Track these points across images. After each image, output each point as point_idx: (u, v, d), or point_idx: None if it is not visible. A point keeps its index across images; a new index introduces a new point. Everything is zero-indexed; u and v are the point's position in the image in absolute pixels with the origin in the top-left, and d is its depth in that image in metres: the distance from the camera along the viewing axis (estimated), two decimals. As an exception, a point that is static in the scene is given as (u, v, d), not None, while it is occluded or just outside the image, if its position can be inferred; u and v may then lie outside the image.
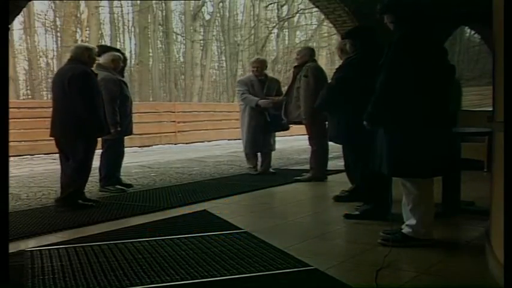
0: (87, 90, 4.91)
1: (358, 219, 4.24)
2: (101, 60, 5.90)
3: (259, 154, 7.43)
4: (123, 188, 6.12)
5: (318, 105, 5.25)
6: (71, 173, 5.01)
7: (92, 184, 6.52)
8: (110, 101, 5.69)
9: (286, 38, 30.33)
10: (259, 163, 7.44)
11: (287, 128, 7.15)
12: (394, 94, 3.41)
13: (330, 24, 10.59)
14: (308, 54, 6.62)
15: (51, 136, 5.21)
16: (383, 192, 4.23)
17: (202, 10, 27.55)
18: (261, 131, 7.13)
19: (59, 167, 5.18)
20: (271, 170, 7.40)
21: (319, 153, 6.56)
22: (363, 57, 4.34)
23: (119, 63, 6.09)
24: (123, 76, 6.33)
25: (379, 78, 3.43)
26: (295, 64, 6.82)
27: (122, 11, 26.42)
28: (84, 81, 4.92)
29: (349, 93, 4.38)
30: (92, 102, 4.93)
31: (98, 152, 5.42)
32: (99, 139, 5.34)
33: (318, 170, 6.59)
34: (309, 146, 6.65)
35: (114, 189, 6.03)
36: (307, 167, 8.01)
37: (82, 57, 5.08)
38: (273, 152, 7.36)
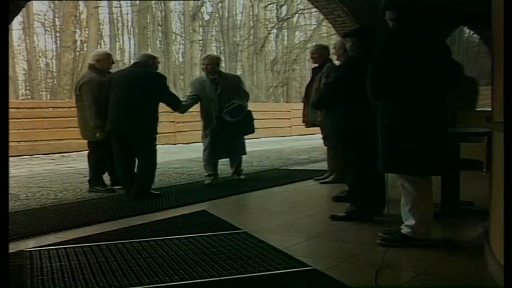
0: (159, 92, 5.60)
1: (344, 221, 4.24)
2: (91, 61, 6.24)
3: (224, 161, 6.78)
4: (112, 188, 6.08)
5: (315, 103, 5.21)
6: (142, 170, 5.59)
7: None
8: (94, 102, 5.81)
9: (286, 38, 30.36)
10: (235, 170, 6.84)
11: (251, 132, 6.67)
12: (382, 87, 3.43)
13: (329, 25, 10.59)
14: (325, 53, 6.34)
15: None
16: (371, 193, 4.23)
17: (202, 10, 27.60)
18: (219, 136, 6.35)
19: (58, 167, 5.23)
20: (241, 176, 6.79)
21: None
22: (362, 56, 4.34)
23: (105, 63, 6.13)
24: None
25: (368, 72, 3.48)
26: (314, 65, 6.46)
27: (121, 11, 26.46)
28: (158, 83, 5.63)
29: (347, 92, 4.37)
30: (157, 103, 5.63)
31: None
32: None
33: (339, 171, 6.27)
34: (309, 146, 6.60)
35: (104, 189, 6.03)
36: (307, 167, 8.02)
37: (147, 63, 5.69)
38: (272, 152, 7.04)
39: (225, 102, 6.29)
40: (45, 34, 24.63)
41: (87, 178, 6.28)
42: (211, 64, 6.44)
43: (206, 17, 28.39)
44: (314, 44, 9.64)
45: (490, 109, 3.33)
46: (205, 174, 6.63)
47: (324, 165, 7.01)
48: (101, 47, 22.21)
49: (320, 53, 6.34)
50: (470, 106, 7.51)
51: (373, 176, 4.07)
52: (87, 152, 6.26)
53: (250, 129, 6.65)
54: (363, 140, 4.19)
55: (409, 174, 3.44)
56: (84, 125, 6.00)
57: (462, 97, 7.22)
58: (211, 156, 6.50)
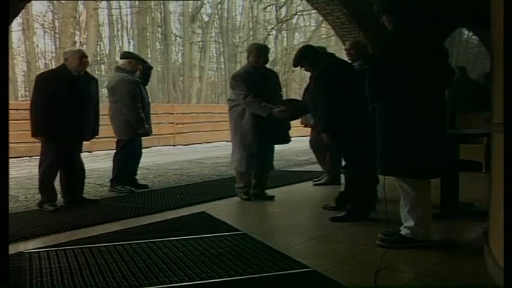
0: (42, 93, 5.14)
1: (344, 221, 4.26)
2: (119, 62, 6.32)
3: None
4: (131, 189, 6.11)
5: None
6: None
7: (90, 186, 6.54)
8: (131, 100, 5.92)
9: (285, 40, 30.37)
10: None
11: (289, 141, 5.66)
12: (380, 90, 3.44)
13: (328, 26, 10.60)
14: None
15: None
16: (365, 192, 4.26)
17: (201, 12, 27.58)
18: (265, 144, 5.34)
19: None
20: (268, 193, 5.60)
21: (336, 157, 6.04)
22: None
23: (136, 65, 6.22)
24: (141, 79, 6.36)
25: (367, 74, 3.51)
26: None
27: (120, 12, 26.43)
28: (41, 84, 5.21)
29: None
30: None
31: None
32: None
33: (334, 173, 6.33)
34: (308, 148, 6.55)
35: (123, 189, 6.03)
36: (306, 168, 8.01)
37: (65, 61, 5.18)
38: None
39: (273, 98, 5.23)
40: (44, 35, 24.66)
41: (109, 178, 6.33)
42: (267, 54, 5.40)
43: (205, 19, 28.39)
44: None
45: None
46: (240, 185, 5.50)
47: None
48: (101, 49, 22.21)
49: None
50: (471, 108, 7.52)
51: (363, 175, 4.11)
52: (115, 151, 6.29)
53: (287, 139, 5.57)
54: (347, 139, 4.24)
55: (408, 177, 3.43)
56: (117, 123, 6.07)
57: (464, 99, 7.23)
58: (250, 169, 5.38)
